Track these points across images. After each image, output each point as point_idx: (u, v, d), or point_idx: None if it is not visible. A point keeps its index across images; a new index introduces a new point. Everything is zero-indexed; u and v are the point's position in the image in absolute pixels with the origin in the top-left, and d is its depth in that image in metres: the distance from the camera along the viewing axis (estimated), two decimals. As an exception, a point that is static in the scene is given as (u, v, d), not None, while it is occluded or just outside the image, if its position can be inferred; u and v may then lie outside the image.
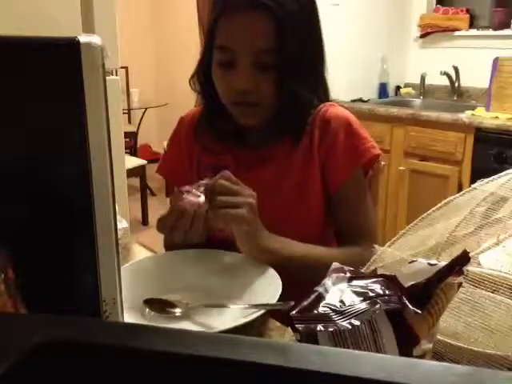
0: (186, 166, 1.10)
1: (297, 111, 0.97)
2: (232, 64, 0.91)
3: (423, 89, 3.31)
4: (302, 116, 0.99)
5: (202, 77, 1.00)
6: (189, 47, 4.76)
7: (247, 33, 0.89)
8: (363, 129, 1.02)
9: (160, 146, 4.72)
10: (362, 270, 0.75)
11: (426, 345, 0.56)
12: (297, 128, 1.00)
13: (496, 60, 2.69)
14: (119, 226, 0.98)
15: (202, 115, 1.07)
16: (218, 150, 1.05)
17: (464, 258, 0.58)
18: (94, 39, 0.51)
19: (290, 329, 0.58)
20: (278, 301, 0.76)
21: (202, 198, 0.83)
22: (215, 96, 0.98)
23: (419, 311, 0.55)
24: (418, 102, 3.29)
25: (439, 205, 0.90)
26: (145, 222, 3.82)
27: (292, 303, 0.74)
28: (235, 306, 0.78)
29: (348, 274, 0.63)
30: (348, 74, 3.14)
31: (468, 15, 3.17)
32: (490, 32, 3.05)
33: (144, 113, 4.55)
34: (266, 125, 1.00)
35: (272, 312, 0.77)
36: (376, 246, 0.77)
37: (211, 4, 0.95)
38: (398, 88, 3.44)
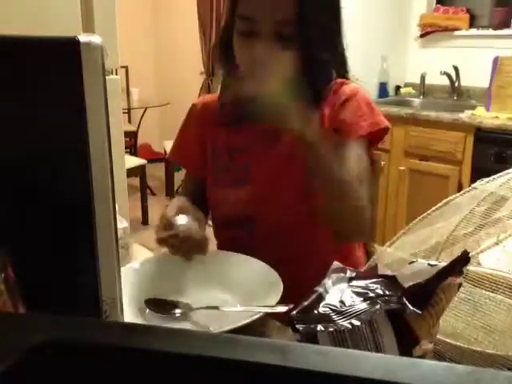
0: (199, 150, 1.10)
1: (313, 83, 0.97)
2: (252, 33, 0.91)
3: (423, 88, 3.30)
4: (318, 88, 0.99)
5: (225, 46, 0.99)
6: (189, 47, 4.76)
7: (268, 3, 0.89)
8: (372, 104, 1.02)
9: (160, 145, 4.72)
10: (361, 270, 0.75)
11: (426, 345, 0.56)
12: (313, 100, 0.99)
13: (496, 60, 2.69)
14: (119, 225, 0.98)
15: (221, 91, 1.07)
16: (232, 130, 1.05)
17: (464, 259, 0.58)
18: (94, 39, 0.51)
19: (290, 329, 0.58)
20: (279, 302, 0.76)
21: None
22: (236, 67, 0.97)
23: (419, 311, 0.55)
24: (417, 101, 3.28)
25: (439, 205, 0.90)
26: (145, 221, 3.82)
27: (292, 306, 0.74)
28: (235, 308, 0.78)
29: (348, 274, 0.63)
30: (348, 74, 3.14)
31: (468, 15, 3.17)
32: (490, 32, 3.04)
33: (144, 112, 4.55)
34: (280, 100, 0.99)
35: (272, 312, 0.77)
36: (376, 245, 0.77)
37: None
38: (397, 88, 3.44)
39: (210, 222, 1.09)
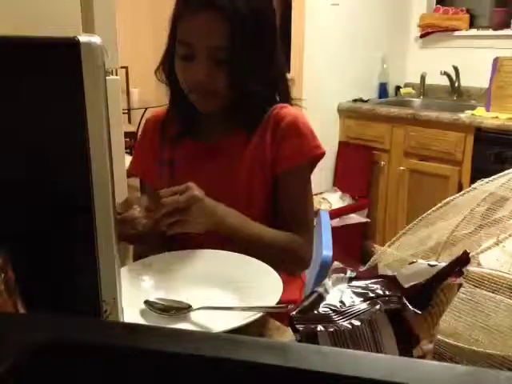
0: (152, 164, 1.18)
1: (248, 105, 1.06)
2: (191, 57, 1.01)
3: (423, 89, 3.31)
4: (253, 111, 1.08)
5: (168, 67, 1.09)
6: (189, 47, 4.75)
7: (203, 30, 0.99)
8: (310, 128, 1.09)
9: (160, 145, 4.70)
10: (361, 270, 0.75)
11: (427, 345, 0.56)
12: (248, 123, 1.08)
13: (496, 60, 2.69)
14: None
15: (169, 106, 1.17)
16: (176, 144, 1.14)
17: (464, 259, 0.58)
18: (94, 39, 0.51)
19: (290, 329, 0.58)
20: (279, 302, 0.76)
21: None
22: (178, 85, 1.07)
23: (419, 312, 0.55)
24: (417, 101, 3.28)
25: (439, 205, 0.90)
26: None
27: (291, 306, 0.74)
28: (235, 308, 0.78)
29: (348, 274, 0.63)
30: (348, 74, 3.14)
31: (468, 15, 3.17)
32: (490, 32, 3.05)
33: (144, 113, 4.54)
34: (221, 116, 1.09)
35: (272, 312, 0.77)
36: (376, 245, 0.77)
37: (174, 2, 1.05)
38: (398, 88, 3.44)
39: None
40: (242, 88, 1.02)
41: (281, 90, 1.12)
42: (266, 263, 0.88)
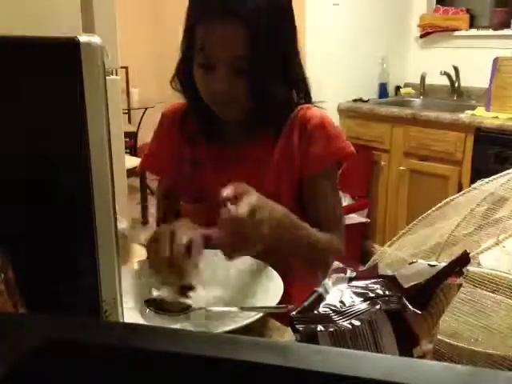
0: (170, 159, 1.14)
1: (271, 111, 1.03)
2: (210, 67, 0.97)
3: (423, 89, 3.30)
4: (277, 116, 1.05)
5: (184, 75, 1.05)
6: (189, 47, 4.75)
7: (222, 40, 0.95)
8: (337, 129, 1.08)
9: (160, 145, 4.70)
10: (361, 269, 0.75)
11: (427, 345, 0.56)
12: (273, 128, 1.06)
13: (496, 60, 2.69)
14: (119, 225, 0.98)
15: (189, 110, 1.12)
16: (198, 143, 1.11)
17: (464, 259, 0.58)
18: (94, 39, 0.51)
19: (290, 329, 0.58)
20: (279, 302, 0.76)
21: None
22: (197, 93, 1.03)
23: (419, 312, 0.55)
24: (418, 101, 3.28)
25: (439, 205, 0.90)
26: (145, 221, 3.82)
27: (291, 306, 0.74)
28: (235, 308, 0.78)
29: (348, 274, 0.63)
30: (348, 74, 3.14)
31: (468, 15, 3.17)
32: (490, 32, 3.05)
33: (144, 113, 4.55)
34: (244, 123, 1.06)
35: (272, 312, 0.77)
36: (376, 245, 0.77)
37: (188, 7, 1.01)
38: (397, 88, 3.44)
39: None
40: (264, 95, 0.99)
41: (302, 90, 1.10)
42: (312, 263, 0.86)
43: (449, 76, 3.12)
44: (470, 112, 2.70)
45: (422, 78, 3.27)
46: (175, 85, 1.07)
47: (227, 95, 0.98)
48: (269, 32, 0.95)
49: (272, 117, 1.04)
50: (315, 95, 1.13)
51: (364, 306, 0.57)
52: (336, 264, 0.66)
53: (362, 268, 0.75)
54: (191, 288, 0.81)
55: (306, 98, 1.10)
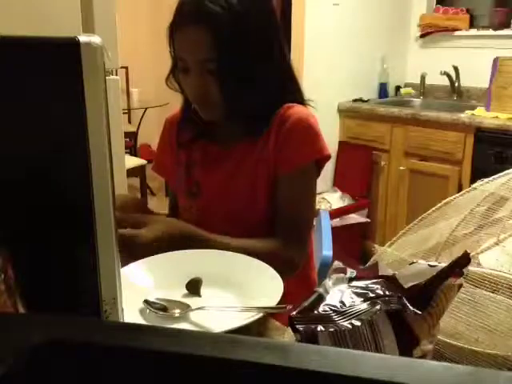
0: (171, 164, 1.21)
1: (245, 111, 1.06)
2: (187, 70, 1.03)
3: (423, 89, 3.31)
4: (253, 116, 1.07)
5: (175, 79, 1.11)
6: (189, 47, 4.75)
7: (192, 45, 1.01)
8: (314, 129, 1.07)
9: (160, 145, 4.70)
10: (362, 267, 0.75)
11: (427, 345, 0.56)
12: (252, 129, 1.08)
13: (496, 60, 2.69)
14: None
15: (182, 113, 1.19)
16: (193, 145, 1.17)
17: (464, 260, 0.58)
18: (94, 39, 0.51)
19: (290, 329, 0.58)
20: (279, 302, 0.76)
21: None
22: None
23: (419, 312, 0.55)
24: (417, 101, 3.28)
25: (439, 205, 0.90)
26: (145, 221, 3.81)
27: (290, 306, 0.74)
28: (235, 308, 0.78)
29: (348, 275, 0.63)
30: (348, 74, 3.14)
31: (468, 15, 3.17)
32: (490, 32, 3.05)
33: (144, 113, 4.55)
34: (229, 123, 1.11)
35: (272, 312, 0.77)
36: (376, 245, 0.77)
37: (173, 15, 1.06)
38: (397, 88, 3.44)
39: None
40: (237, 97, 1.02)
41: (290, 90, 1.11)
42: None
43: (449, 76, 3.12)
44: (469, 112, 2.70)
45: (422, 78, 3.27)
46: (171, 85, 1.13)
47: (200, 96, 1.04)
48: (234, 35, 0.98)
49: (250, 119, 1.08)
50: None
51: (364, 306, 0.57)
52: (336, 264, 0.66)
53: (361, 268, 0.75)
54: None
55: (298, 96, 1.12)
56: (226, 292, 0.85)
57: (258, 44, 1.03)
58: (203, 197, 1.15)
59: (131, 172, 3.49)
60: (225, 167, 1.12)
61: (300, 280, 1.08)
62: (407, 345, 0.55)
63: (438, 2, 3.33)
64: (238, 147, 1.11)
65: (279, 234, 1.05)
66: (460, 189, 2.56)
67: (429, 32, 3.28)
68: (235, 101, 1.03)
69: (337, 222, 2.84)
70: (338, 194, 3.08)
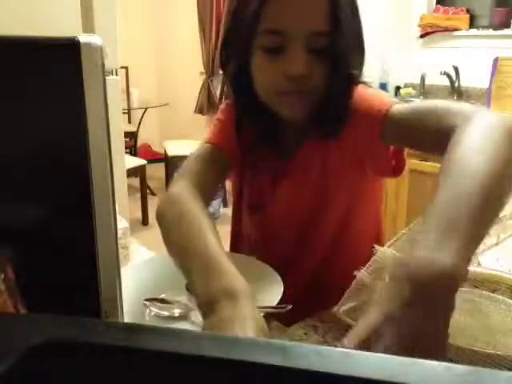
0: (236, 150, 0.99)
1: (345, 100, 0.86)
2: (281, 49, 0.81)
3: (423, 89, 3.30)
4: (331, 116, 0.87)
5: (234, 73, 0.90)
6: (189, 47, 4.76)
7: (299, 14, 0.79)
8: (370, 92, 0.91)
9: (160, 145, 4.71)
10: (363, 271, 0.75)
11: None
12: (327, 129, 0.89)
13: (496, 60, 2.69)
14: (119, 226, 0.98)
15: (237, 115, 0.97)
16: (255, 148, 0.98)
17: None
18: (94, 39, 0.51)
19: (290, 329, 0.58)
20: (280, 302, 0.76)
21: None
22: (250, 92, 0.89)
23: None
24: (418, 102, 3.28)
25: (439, 205, 0.89)
26: (145, 221, 3.82)
27: (290, 306, 0.74)
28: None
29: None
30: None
31: (468, 15, 3.17)
32: (490, 32, 3.04)
33: (144, 113, 4.55)
34: (301, 126, 0.92)
35: (272, 312, 0.77)
36: (376, 246, 0.77)
37: None
38: (397, 88, 3.43)
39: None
40: (344, 81, 0.83)
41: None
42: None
43: (449, 76, 3.12)
44: (470, 112, 2.70)
45: (422, 78, 3.27)
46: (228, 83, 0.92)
47: (302, 82, 0.81)
48: (350, 5, 0.82)
49: (327, 117, 0.88)
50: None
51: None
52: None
53: (361, 268, 0.75)
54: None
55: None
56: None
57: (360, 27, 0.87)
58: (268, 212, 1.00)
59: (131, 172, 3.49)
60: (290, 179, 0.96)
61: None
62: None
63: (437, 2, 3.33)
64: (311, 153, 0.94)
65: (450, 122, 0.75)
66: (460, 189, 2.55)
67: (429, 32, 3.28)
68: (341, 92, 0.84)
69: (337, 222, 2.84)
70: (338, 194, 3.07)
